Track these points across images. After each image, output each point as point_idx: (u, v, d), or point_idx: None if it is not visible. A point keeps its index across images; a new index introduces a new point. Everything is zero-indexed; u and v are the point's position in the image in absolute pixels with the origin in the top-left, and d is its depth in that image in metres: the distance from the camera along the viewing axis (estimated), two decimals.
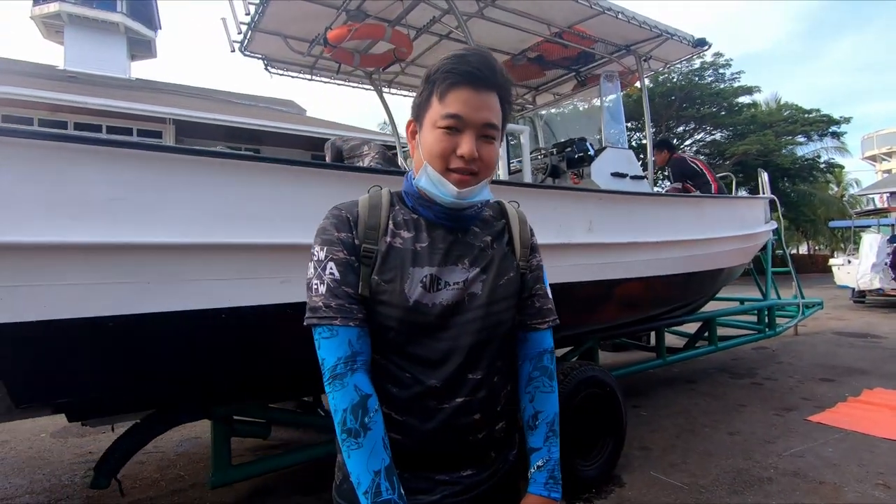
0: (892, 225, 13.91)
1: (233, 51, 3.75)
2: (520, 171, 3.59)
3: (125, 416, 2.22)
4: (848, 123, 19.86)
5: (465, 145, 0.82)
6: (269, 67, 4.14)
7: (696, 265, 3.89)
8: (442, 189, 0.84)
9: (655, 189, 4.84)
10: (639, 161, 4.20)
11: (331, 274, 0.83)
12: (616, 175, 3.82)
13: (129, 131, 11.57)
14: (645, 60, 4.32)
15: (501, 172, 3.21)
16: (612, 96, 4.39)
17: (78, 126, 10.98)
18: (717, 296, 5.70)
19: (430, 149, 0.84)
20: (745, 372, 5.37)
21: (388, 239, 0.86)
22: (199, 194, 1.77)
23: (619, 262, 3.19)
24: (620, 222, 3.19)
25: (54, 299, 1.53)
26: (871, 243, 10.83)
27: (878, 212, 15.39)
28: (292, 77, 4.32)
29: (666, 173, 5.63)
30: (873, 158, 42.25)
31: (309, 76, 4.35)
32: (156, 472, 3.17)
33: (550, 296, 1.02)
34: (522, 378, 0.98)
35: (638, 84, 4.52)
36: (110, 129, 11.30)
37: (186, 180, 1.76)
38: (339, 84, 4.55)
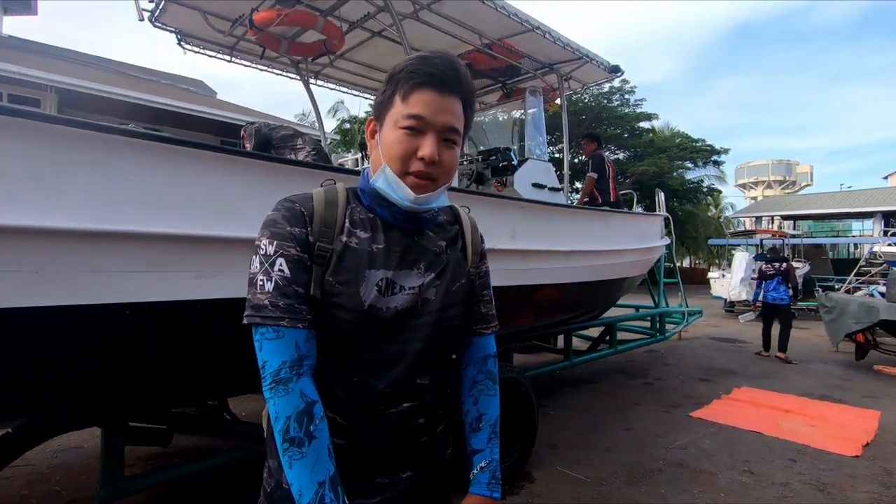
0: (757, 245, 16.03)
1: (141, 20, 3.39)
2: None
3: None
4: (727, 154, 22.60)
5: (427, 147, 0.80)
6: (182, 43, 3.80)
7: (603, 274, 4.20)
8: (398, 192, 0.82)
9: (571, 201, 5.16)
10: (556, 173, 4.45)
11: (280, 271, 0.78)
12: (536, 185, 4.02)
13: None
14: (566, 80, 4.60)
15: None
16: (534, 110, 4.62)
17: None
18: (618, 303, 6.20)
19: (389, 149, 0.82)
20: (639, 373, 5.89)
21: (345, 238, 0.83)
22: (106, 176, 1.58)
23: (538, 268, 3.35)
24: (541, 231, 3.35)
25: None
26: (741, 260, 12.40)
27: (746, 233, 17.68)
28: (209, 56, 4.00)
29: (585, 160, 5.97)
30: (744, 186, 48.49)
31: (228, 57, 4.07)
32: (24, 487, 2.77)
33: (493, 302, 1.05)
34: (466, 381, 1.00)
35: (558, 101, 4.79)
36: None
37: (91, 159, 1.56)
38: (261, 69, 4.30)
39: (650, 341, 6.19)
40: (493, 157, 4.03)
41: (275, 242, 0.79)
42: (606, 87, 18.84)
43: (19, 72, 9.68)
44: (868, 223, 23.93)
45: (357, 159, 4.21)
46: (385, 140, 0.83)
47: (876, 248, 13.11)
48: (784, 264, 7.21)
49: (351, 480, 0.82)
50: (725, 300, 13.03)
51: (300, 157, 2.21)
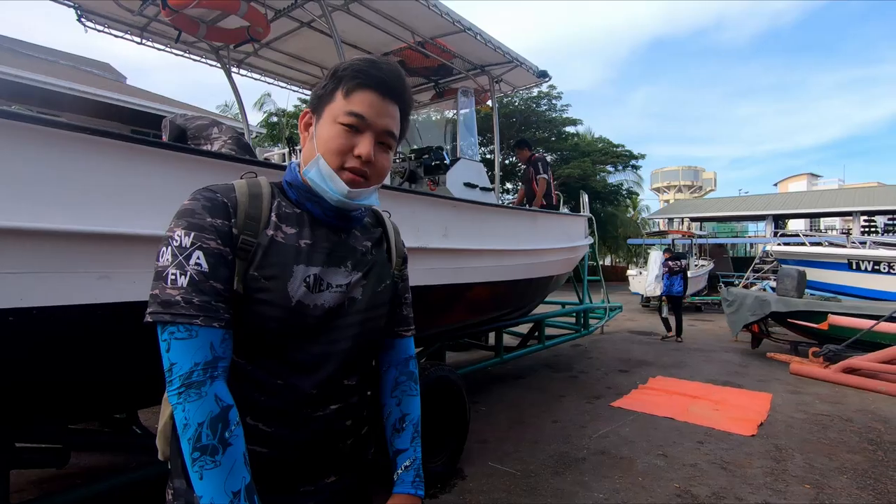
0: (669, 244, 17.33)
1: None
2: None
3: None
4: (644, 159, 24.27)
5: (364, 146, 0.81)
6: (83, 19, 3.44)
7: (532, 272, 4.34)
8: (331, 185, 0.81)
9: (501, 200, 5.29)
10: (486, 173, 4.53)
11: (196, 265, 0.73)
12: (468, 185, 4.07)
13: None
14: (497, 82, 4.69)
15: None
16: (466, 111, 4.67)
17: None
18: (545, 300, 6.44)
19: (326, 143, 0.81)
20: (564, 367, 6.15)
21: (271, 232, 0.80)
22: None
23: (469, 267, 3.39)
24: (472, 230, 3.39)
25: None
26: (655, 258, 13.33)
27: (660, 233, 19.06)
28: (115, 36, 3.65)
29: (520, 168, 6.21)
30: (658, 190, 52.33)
31: (138, 39, 3.74)
32: None
33: (412, 305, 1.07)
34: (388, 383, 1.01)
35: (489, 102, 4.88)
36: None
37: None
38: (176, 54, 3.99)
39: (575, 336, 6.49)
40: (426, 156, 4.03)
41: (192, 234, 0.74)
42: (535, 91, 19.54)
43: None
44: (761, 225, 26.67)
45: (284, 154, 4.03)
46: (322, 134, 0.82)
47: (768, 248, 14.63)
48: (684, 262, 8.64)
49: (272, 490, 0.79)
50: (642, 296, 13.98)
51: (216, 147, 2.06)
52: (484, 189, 4.28)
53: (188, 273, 0.72)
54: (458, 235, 3.19)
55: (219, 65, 4.17)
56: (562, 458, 3.29)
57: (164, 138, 2.53)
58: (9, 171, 1.43)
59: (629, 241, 22.15)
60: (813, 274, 9.79)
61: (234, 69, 4.33)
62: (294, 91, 5.03)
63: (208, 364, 0.71)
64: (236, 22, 3.38)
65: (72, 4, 3.31)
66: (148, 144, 1.74)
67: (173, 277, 0.72)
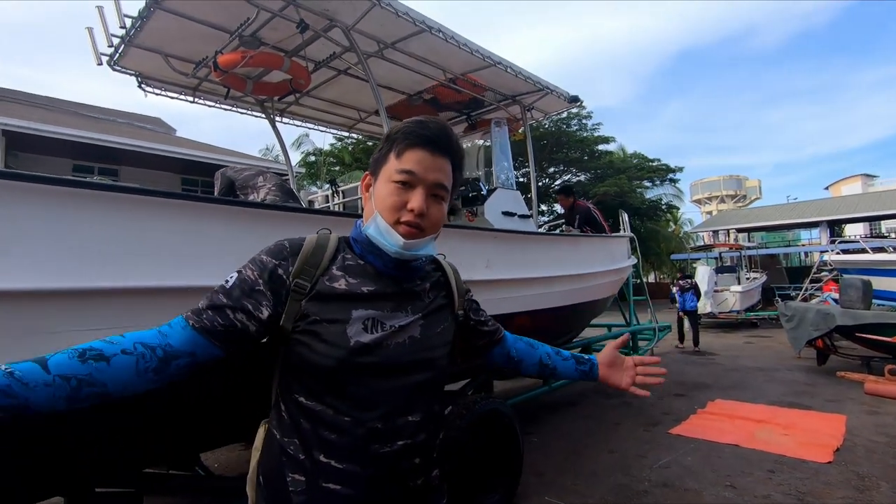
0: (717, 258, 16.67)
1: (100, 64, 3.34)
2: None
3: None
4: (681, 172, 23.71)
5: (416, 200, 0.86)
6: (143, 85, 3.75)
7: (577, 297, 4.27)
8: (389, 239, 0.87)
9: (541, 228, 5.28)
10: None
11: (224, 283, 0.85)
12: (506, 214, 4.08)
13: None
14: (528, 110, 4.75)
15: None
16: (501, 140, 4.73)
17: None
18: (592, 323, 6.29)
19: (382, 200, 0.88)
20: (616, 392, 5.90)
21: (328, 282, 0.87)
22: (63, 230, 1.52)
23: (513, 296, 3.38)
24: (514, 259, 3.39)
25: None
26: (703, 274, 12.86)
27: (706, 247, 18.38)
28: (171, 97, 3.95)
29: (561, 212, 6.24)
30: (699, 202, 50.68)
31: (191, 98, 4.03)
32: None
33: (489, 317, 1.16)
34: (531, 358, 1.16)
35: (522, 130, 4.93)
36: None
37: (46, 213, 1.50)
38: (225, 109, 4.27)
39: None
40: (463, 188, 4.09)
41: (247, 266, 0.87)
42: (565, 113, 19.59)
43: None
44: (815, 232, 25.32)
45: (328, 195, 4.19)
46: (378, 192, 0.90)
47: (826, 257, 13.84)
48: (693, 280, 10.43)
49: None
50: None
51: (261, 195, 2.17)
52: (522, 217, 4.28)
53: (221, 290, 0.84)
54: (501, 265, 3.20)
55: (264, 115, 4.42)
56: (623, 491, 3.16)
57: (216, 190, 2.71)
58: (85, 237, 1.56)
59: (673, 256, 21.48)
60: (879, 283, 9.16)
61: (277, 118, 4.58)
62: (332, 133, 5.25)
63: (159, 348, 0.78)
64: (280, 76, 3.59)
65: (133, 73, 3.62)
66: (198, 200, 1.86)
67: (212, 291, 0.85)
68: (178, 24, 3.09)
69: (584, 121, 20.74)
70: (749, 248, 18.52)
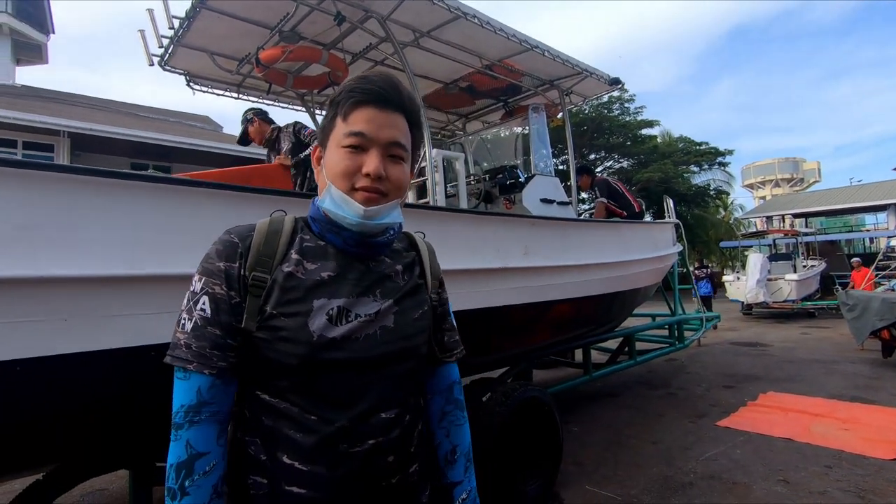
0: (770, 245, 15.84)
1: (151, 64, 3.51)
2: (454, 196, 3.68)
3: (25, 472, 1.93)
4: (731, 155, 22.58)
5: (372, 163, 0.78)
6: (191, 83, 3.91)
7: (618, 285, 4.17)
8: (346, 209, 0.78)
9: (581, 214, 5.19)
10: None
11: (202, 310, 0.75)
12: (545, 201, 4.03)
13: (12, 143, 10.31)
14: (567, 94, 4.64)
15: (439, 198, 3.26)
16: (538, 126, 4.65)
17: None
18: (634, 312, 6.14)
19: (333, 168, 0.80)
20: (661, 383, 5.79)
21: (288, 268, 0.78)
22: (120, 220, 1.62)
23: (552, 284, 3.34)
24: (553, 246, 3.35)
25: None
26: (755, 262, 12.25)
27: (759, 233, 17.49)
28: (217, 94, 4.11)
29: (586, 195, 6.12)
30: (751, 186, 48.14)
31: (236, 94, 4.17)
32: None
33: (456, 328, 1.03)
34: (434, 413, 0.97)
35: (560, 115, 4.83)
36: None
37: (106, 205, 1.60)
38: (268, 104, 4.40)
39: (669, 350, 6.09)
40: (501, 176, 4.06)
41: (203, 279, 0.77)
42: (606, 97, 19.01)
43: (34, 119, 9.99)
44: (882, 216, 23.59)
45: None
46: (329, 160, 0.81)
47: (894, 242, 12.88)
48: (708, 270, 12.61)
49: None
50: (742, 303, 12.84)
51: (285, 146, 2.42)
52: (561, 203, 4.21)
53: (194, 318, 0.75)
54: (539, 253, 3.16)
55: (304, 109, 4.53)
56: (666, 483, 3.08)
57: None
58: (140, 227, 1.66)
59: (722, 244, 20.57)
60: None
61: (317, 111, 4.67)
62: None
63: (191, 408, 0.73)
64: (319, 69, 3.66)
65: (182, 72, 3.79)
66: (243, 191, 1.93)
67: (183, 322, 0.76)
68: (222, 23, 3.20)
69: (626, 105, 20.08)
70: (806, 234, 17.43)
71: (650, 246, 4.81)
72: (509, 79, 4.31)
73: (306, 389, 0.76)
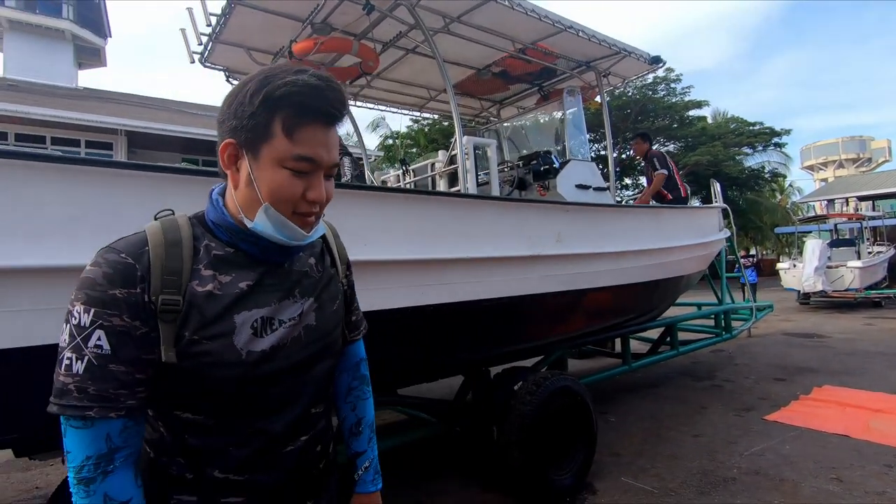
0: (831, 230, 14.84)
1: (192, 62, 3.65)
2: (487, 183, 3.64)
3: None
4: (788, 135, 21.20)
5: (316, 190, 0.73)
6: (230, 79, 4.04)
7: (658, 273, 4.03)
8: (287, 233, 0.73)
9: (618, 199, 5.03)
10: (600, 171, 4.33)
11: (96, 347, 0.64)
12: (580, 187, 3.93)
13: (76, 142, 11.02)
14: (604, 76, 4.48)
15: (470, 186, 3.24)
16: (573, 110, 4.52)
17: (20, 137, 10.38)
18: (677, 301, 5.92)
19: (274, 191, 0.71)
20: (705, 374, 5.58)
21: (199, 286, 0.71)
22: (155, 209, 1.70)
23: (586, 272, 3.26)
24: (587, 233, 3.26)
25: (4, 328, 1.42)
26: (814, 248, 11.52)
27: (818, 218, 16.40)
28: None
29: (639, 161, 5.90)
30: (811, 168, 45.15)
31: None
32: None
33: (360, 306, 1.06)
34: (342, 388, 1.01)
35: (598, 98, 4.67)
36: (55, 141, 10.73)
37: (146, 195, 1.68)
38: None
39: (715, 340, 5.84)
40: (534, 162, 3.98)
41: (91, 310, 0.65)
42: (650, 78, 18.22)
43: (92, 119, 10.63)
44: None
45: (398, 175, 4.28)
46: (264, 179, 0.71)
47: None
48: (754, 259, 13.40)
49: None
50: (799, 292, 12.13)
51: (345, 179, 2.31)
52: (598, 189, 4.09)
53: (85, 357, 0.64)
54: (573, 240, 3.09)
55: None
56: (706, 477, 2.98)
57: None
58: None
59: (777, 229, 19.44)
60: None
61: (351, 102, 4.73)
62: (405, 115, 5.33)
63: (101, 457, 0.65)
64: (350, 60, 3.69)
65: (222, 68, 3.91)
66: None
67: (68, 363, 0.64)
68: (256, 18, 3.27)
69: (672, 85, 19.17)
70: (873, 217, 16.19)
71: (694, 232, 4.61)
72: (543, 62, 4.21)
73: (238, 405, 0.73)
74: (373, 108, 5.09)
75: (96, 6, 15.81)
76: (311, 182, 0.73)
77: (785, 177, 25.35)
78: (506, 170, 4.24)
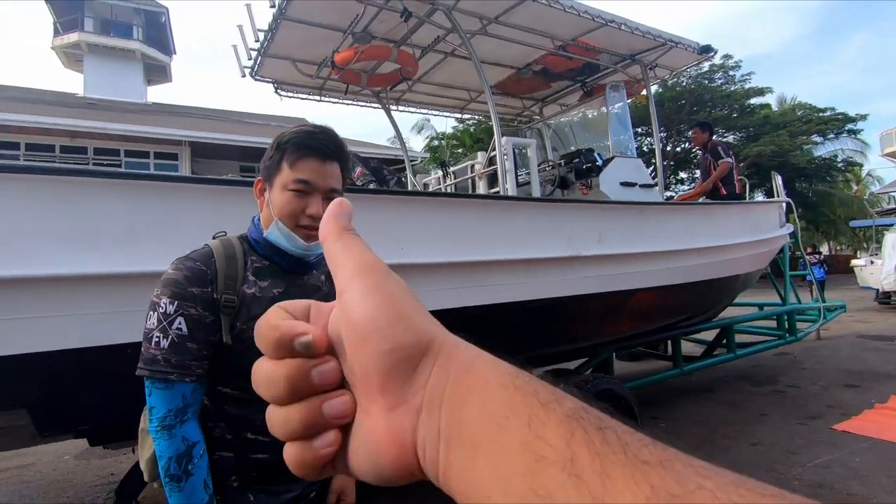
0: None
1: (244, 76, 3.85)
2: (528, 183, 3.61)
3: None
4: (864, 120, 19.53)
5: (314, 207, 0.96)
6: (279, 91, 4.23)
7: (710, 272, 3.85)
8: (292, 243, 0.97)
9: (667, 195, 4.84)
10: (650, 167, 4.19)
11: (178, 329, 0.89)
12: (625, 184, 3.82)
13: (146, 154, 11.86)
14: (650, 69, 4.33)
15: (509, 186, 3.23)
16: (618, 105, 4.40)
17: (97, 151, 11.31)
18: (735, 301, 5.62)
19: (280, 208, 0.96)
20: (766, 379, 5.26)
21: (250, 290, 0.96)
22: (214, 221, 1.82)
23: (631, 272, 3.17)
24: (631, 232, 3.17)
25: (75, 328, 1.57)
26: (894, 243, 10.57)
27: None
28: (302, 99, 4.41)
29: (695, 153, 5.65)
30: (893, 155, 41.33)
31: (318, 97, 4.44)
32: None
33: None
34: None
35: (644, 92, 4.52)
36: (128, 153, 11.60)
37: (201, 207, 1.81)
38: (347, 104, 4.63)
39: (778, 343, 5.49)
40: (577, 160, 3.91)
41: (175, 302, 0.90)
42: (706, 66, 17.36)
43: (160, 132, 11.41)
44: None
45: (439, 177, 4.34)
46: (276, 200, 0.98)
47: None
48: (821, 256, 12.72)
49: (278, 484, 1.00)
50: (877, 291, 11.16)
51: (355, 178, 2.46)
52: (645, 186, 3.96)
53: (170, 336, 0.88)
54: (615, 239, 3.02)
55: (379, 106, 4.70)
56: None
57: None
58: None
59: (853, 223, 17.99)
60: None
61: (393, 107, 4.83)
62: (446, 117, 5.38)
63: (179, 410, 0.88)
64: (390, 67, 3.78)
65: (270, 81, 4.11)
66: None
67: (157, 339, 0.88)
68: (300, 31, 3.42)
69: (730, 72, 18.15)
70: None
71: (750, 228, 4.36)
72: (585, 58, 4.12)
73: None
74: (414, 112, 5.17)
75: (162, 26, 16.97)
76: (309, 201, 0.96)
77: (861, 165, 23.37)
78: (547, 169, 4.19)
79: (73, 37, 14.85)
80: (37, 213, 1.52)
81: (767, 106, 20.00)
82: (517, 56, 4.13)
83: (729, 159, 4.75)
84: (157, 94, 18.58)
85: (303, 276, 1.05)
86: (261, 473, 0.97)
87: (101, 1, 15.46)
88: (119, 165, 11.02)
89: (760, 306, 6.22)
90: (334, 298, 0.91)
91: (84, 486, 3.33)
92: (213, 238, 1.02)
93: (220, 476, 0.95)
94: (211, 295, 0.92)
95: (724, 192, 4.75)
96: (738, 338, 4.97)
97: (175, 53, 17.60)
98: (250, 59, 3.68)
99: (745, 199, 5.13)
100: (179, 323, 0.89)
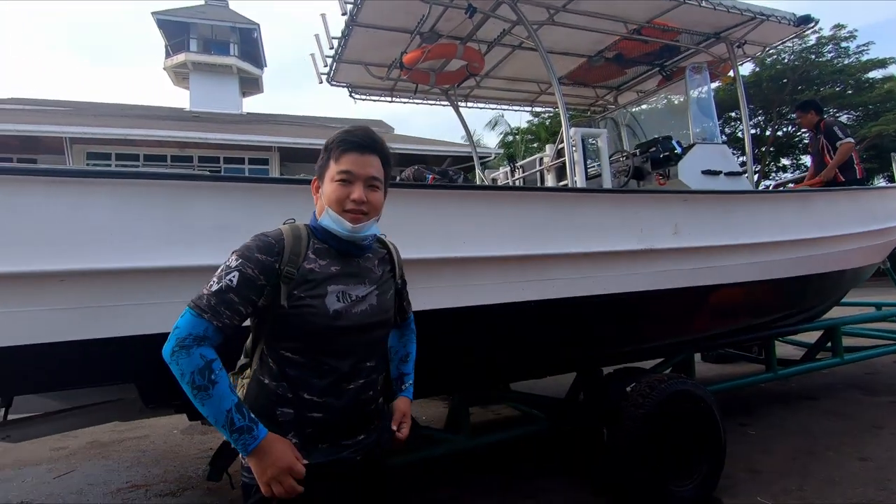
0: None
1: (321, 82, 4.09)
2: (599, 175, 3.49)
3: None
4: None
5: (357, 192, 1.10)
6: (353, 94, 4.44)
7: (808, 267, 3.48)
8: (340, 225, 1.11)
9: (763, 184, 4.42)
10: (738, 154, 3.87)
11: (229, 280, 1.02)
12: (708, 173, 3.55)
13: (241, 160, 12.94)
14: (738, 46, 3.99)
15: (578, 178, 3.14)
16: (701, 88, 4.10)
17: (202, 159, 12.52)
18: (846, 300, 5.02)
19: (329, 196, 1.12)
20: (884, 388, 4.65)
21: (309, 265, 1.10)
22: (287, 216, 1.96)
23: (712, 266, 2.96)
24: (712, 223, 2.96)
25: (175, 314, 1.78)
26: None
27: None
28: (374, 100, 4.59)
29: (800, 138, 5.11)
30: None
31: (390, 98, 4.60)
32: None
33: (410, 300, 1.43)
34: (398, 336, 1.42)
35: (731, 73, 4.17)
36: (227, 160, 12.73)
37: (285, 204, 1.95)
38: (417, 103, 4.74)
39: None
40: (653, 149, 3.70)
41: (240, 261, 1.05)
42: (812, 39, 15.58)
43: (252, 140, 12.39)
44: None
45: (507, 172, 4.32)
46: (326, 191, 1.13)
47: None
48: None
49: (326, 444, 1.11)
50: None
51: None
52: (731, 174, 3.65)
53: (222, 283, 1.02)
54: (693, 231, 2.83)
55: (448, 103, 4.76)
56: None
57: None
58: None
59: None
60: None
61: (462, 104, 4.87)
62: (516, 111, 5.32)
63: (198, 337, 0.98)
64: (457, 64, 3.82)
65: (345, 85, 4.33)
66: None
67: (211, 283, 1.03)
68: (371, 36, 3.56)
69: (842, 44, 16.14)
70: None
71: (862, 218, 3.87)
72: (663, 40, 3.89)
73: (321, 347, 1.10)
74: (483, 108, 5.18)
75: (255, 41, 18.37)
76: (352, 189, 1.11)
77: None
78: (621, 159, 4.01)
79: (180, 57, 16.56)
80: (140, 213, 1.74)
81: (891, 79, 17.51)
82: (588, 44, 4.00)
83: (849, 139, 4.27)
84: (251, 104, 20.16)
85: (357, 258, 1.18)
86: (315, 430, 1.10)
87: (203, 22, 17.08)
88: (219, 171, 12.14)
89: (878, 306, 5.49)
90: (388, 281, 1.10)
91: (188, 458, 3.74)
92: (283, 224, 1.18)
93: (280, 432, 1.06)
94: (274, 264, 1.06)
95: (841, 178, 4.26)
96: (849, 341, 4.44)
97: (266, 66, 19.00)
98: (326, 65, 3.90)
99: (866, 185, 4.55)
100: (233, 277, 1.03)
